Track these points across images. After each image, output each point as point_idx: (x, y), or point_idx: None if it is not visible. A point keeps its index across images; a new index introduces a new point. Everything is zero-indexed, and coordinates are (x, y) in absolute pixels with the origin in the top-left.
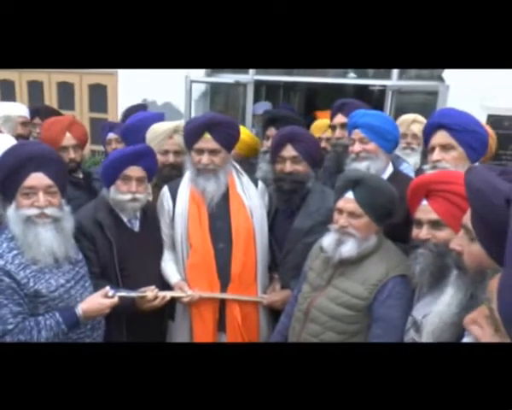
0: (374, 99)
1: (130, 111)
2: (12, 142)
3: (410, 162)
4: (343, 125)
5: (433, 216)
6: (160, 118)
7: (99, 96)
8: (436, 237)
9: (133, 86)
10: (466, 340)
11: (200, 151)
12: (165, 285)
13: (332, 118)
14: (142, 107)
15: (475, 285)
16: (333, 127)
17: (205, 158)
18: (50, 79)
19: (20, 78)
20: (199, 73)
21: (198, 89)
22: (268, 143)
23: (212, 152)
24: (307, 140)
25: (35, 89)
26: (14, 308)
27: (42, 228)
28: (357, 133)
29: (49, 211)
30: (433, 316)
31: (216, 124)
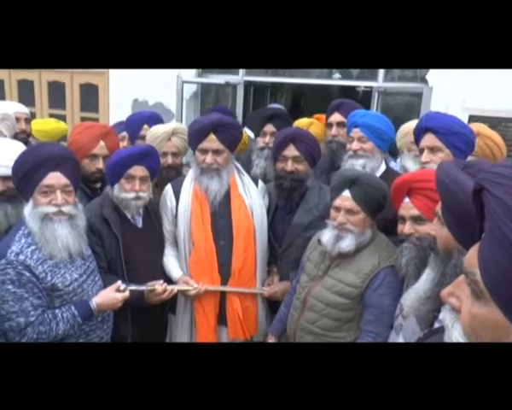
0: (359, 99)
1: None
2: (15, 146)
3: None
4: (339, 124)
5: (415, 212)
6: (155, 116)
7: (90, 96)
8: (418, 231)
9: (124, 86)
10: (442, 314)
11: (205, 151)
12: (166, 279)
13: (328, 116)
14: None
15: (444, 263)
16: (329, 125)
17: (209, 157)
18: (41, 78)
19: (10, 77)
20: (190, 74)
21: (189, 89)
22: (265, 140)
23: (216, 152)
24: (309, 141)
25: (25, 88)
26: (35, 301)
27: (58, 225)
28: (356, 132)
29: (65, 209)
30: (411, 292)
31: (221, 125)
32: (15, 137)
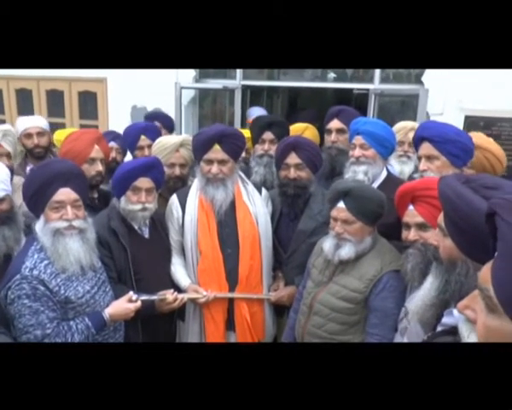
0: (353, 100)
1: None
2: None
3: (406, 170)
4: (339, 130)
5: (419, 219)
6: (150, 126)
7: (89, 103)
8: (423, 238)
9: (123, 93)
10: (445, 319)
11: (210, 162)
12: (174, 287)
13: (327, 122)
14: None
15: (448, 273)
16: (328, 131)
17: (214, 168)
18: (39, 86)
19: (8, 86)
20: (188, 79)
21: (187, 95)
22: (264, 147)
23: (221, 162)
24: (310, 148)
25: (24, 97)
26: (50, 314)
27: (69, 239)
28: (358, 139)
29: (76, 223)
30: (416, 299)
31: (225, 136)
32: (31, 152)
